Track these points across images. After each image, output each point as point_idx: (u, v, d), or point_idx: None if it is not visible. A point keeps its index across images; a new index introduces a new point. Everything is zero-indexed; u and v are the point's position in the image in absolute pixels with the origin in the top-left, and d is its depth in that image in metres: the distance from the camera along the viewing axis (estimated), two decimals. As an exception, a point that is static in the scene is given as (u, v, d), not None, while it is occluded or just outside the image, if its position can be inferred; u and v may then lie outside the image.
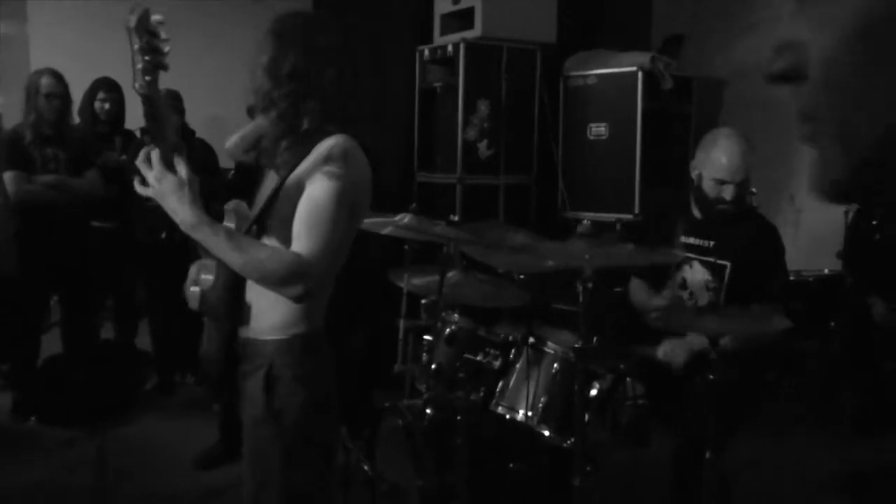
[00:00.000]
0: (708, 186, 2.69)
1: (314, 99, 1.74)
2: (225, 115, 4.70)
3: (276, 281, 1.66)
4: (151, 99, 1.63)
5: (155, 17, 1.63)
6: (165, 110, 1.70)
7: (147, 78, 1.61)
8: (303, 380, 1.77)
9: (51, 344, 4.24)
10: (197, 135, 4.48)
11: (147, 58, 1.60)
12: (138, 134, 4.73)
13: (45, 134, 3.90)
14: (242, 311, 1.79)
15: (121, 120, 4.58)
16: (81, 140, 4.16)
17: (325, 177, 1.66)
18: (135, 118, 4.79)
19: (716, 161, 2.68)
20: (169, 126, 1.69)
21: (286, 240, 1.69)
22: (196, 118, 4.75)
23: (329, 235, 1.66)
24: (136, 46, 1.60)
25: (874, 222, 4.08)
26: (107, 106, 4.43)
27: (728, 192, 2.66)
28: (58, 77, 3.94)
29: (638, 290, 2.84)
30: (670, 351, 2.60)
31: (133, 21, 1.61)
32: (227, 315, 1.79)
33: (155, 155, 1.63)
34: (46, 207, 3.88)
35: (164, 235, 4.24)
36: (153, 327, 4.54)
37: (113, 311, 4.79)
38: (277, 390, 1.76)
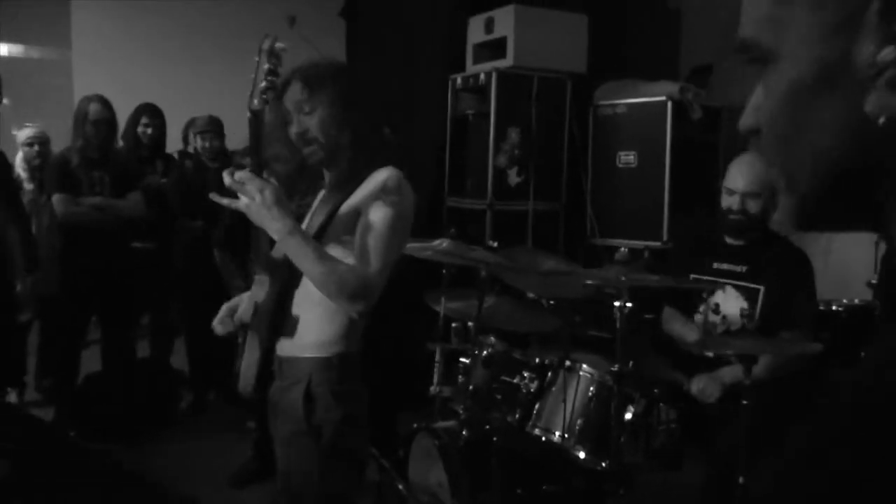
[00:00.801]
0: (722, 200, 2.77)
1: (366, 138, 1.87)
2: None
3: (349, 294, 1.77)
4: (261, 117, 1.76)
5: (279, 45, 1.77)
6: (267, 133, 1.82)
7: (265, 96, 1.75)
8: (340, 397, 1.85)
9: (90, 361, 4.35)
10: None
11: (269, 79, 1.74)
12: (177, 157, 4.88)
13: (92, 158, 4.04)
14: (287, 326, 1.87)
15: (162, 144, 4.73)
16: (125, 163, 4.30)
17: (384, 205, 1.80)
18: (174, 142, 4.95)
19: (728, 173, 2.77)
20: (265, 149, 1.81)
21: (340, 256, 1.81)
22: (234, 143, 4.89)
23: (387, 259, 1.80)
24: (265, 67, 1.75)
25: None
26: (149, 131, 4.58)
27: (735, 202, 2.71)
28: (106, 104, 4.09)
29: (671, 318, 2.89)
30: (704, 388, 2.63)
31: (268, 44, 1.76)
32: (272, 328, 1.87)
33: (245, 171, 1.74)
34: (91, 228, 4.01)
35: (202, 257, 4.37)
36: (189, 346, 4.64)
37: (149, 330, 4.90)
38: (316, 406, 1.83)
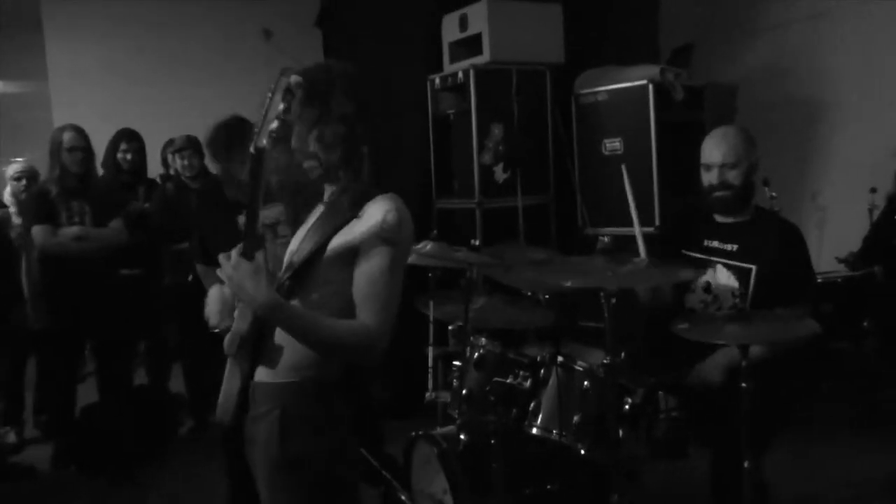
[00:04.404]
0: (702, 178, 2.70)
1: (368, 154, 1.79)
2: (244, 157, 4.78)
3: (351, 353, 1.71)
4: (264, 155, 1.65)
5: (295, 80, 1.66)
6: (266, 174, 1.71)
7: (274, 135, 1.64)
8: (317, 423, 1.75)
9: (87, 392, 4.31)
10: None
11: (283, 118, 1.63)
12: (159, 181, 4.84)
13: (71, 187, 3.99)
14: (267, 353, 1.78)
15: (143, 169, 4.69)
16: (106, 191, 4.26)
17: (384, 245, 1.70)
18: (155, 166, 4.91)
19: (703, 149, 2.70)
20: (262, 190, 1.69)
21: (329, 294, 1.73)
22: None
23: (392, 303, 1.71)
24: (281, 107, 1.63)
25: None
26: (129, 156, 4.54)
27: (713, 177, 2.65)
28: (79, 131, 4.04)
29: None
30: (705, 374, 2.57)
31: (285, 82, 1.64)
32: (253, 356, 1.78)
33: (235, 250, 1.66)
34: (74, 259, 3.96)
35: (191, 278, 4.32)
36: (186, 370, 4.59)
37: (145, 357, 4.85)
38: (293, 437, 1.73)
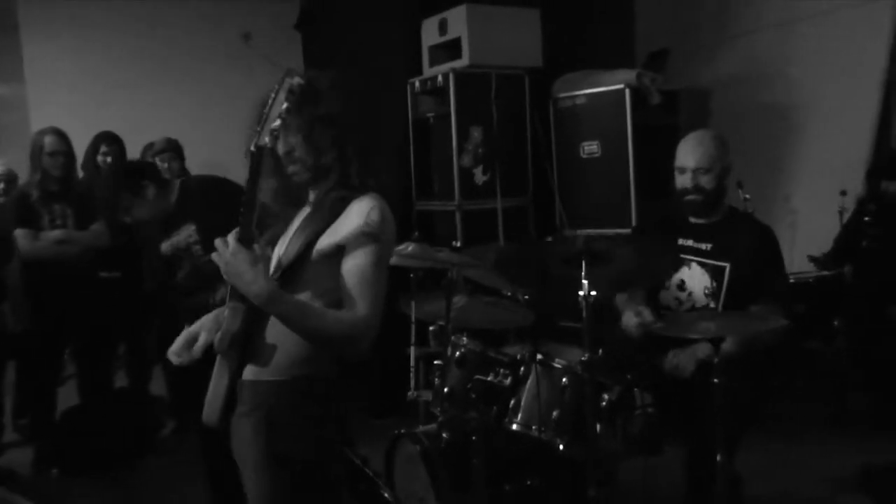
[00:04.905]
0: (676, 181, 2.78)
1: (352, 160, 1.82)
2: (224, 159, 4.79)
3: (341, 344, 1.74)
4: (264, 154, 1.69)
5: (298, 81, 1.70)
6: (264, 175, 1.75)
7: (275, 134, 1.68)
8: (305, 423, 1.77)
9: (68, 396, 4.29)
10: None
11: (284, 118, 1.67)
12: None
13: (52, 190, 3.99)
14: (257, 352, 1.79)
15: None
16: (87, 194, 4.25)
17: (368, 241, 1.75)
18: (136, 168, 4.89)
19: (678, 153, 2.78)
20: (259, 192, 1.74)
21: (318, 293, 1.77)
22: (194, 163, 4.86)
23: (378, 295, 1.76)
24: (284, 106, 1.67)
25: (867, 218, 4.15)
26: (109, 159, 4.53)
27: (687, 180, 2.72)
28: (60, 135, 4.04)
29: (620, 302, 2.88)
30: (677, 362, 2.64)
31: (289, 83, 1.67)
32: (241, 355, 1.79)
33: (232, 234, 1.68)
34: (56, 262, 3.95)
35: (171, 281, 4.33)
36: (167, 372, 4.59)
37: (125, 359, 4.84)
38: (279, 434, 1.75)
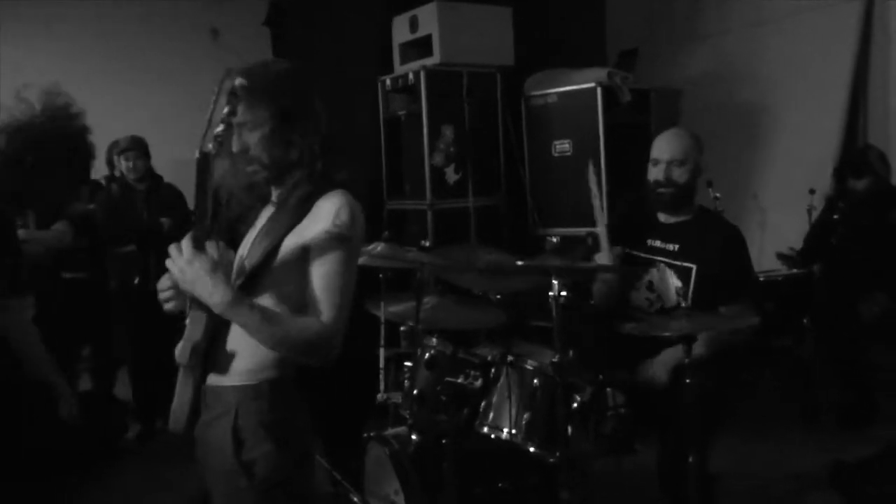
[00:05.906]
0: (649, 173, 2.77)
1: (314, 156, 1.75)
2: (190, 158, 4.71)
3: (306, 351, 1.67)
4: (210, 159, 1.60)
5: (240, 82, 1.61)
6: (212, 181, 1.65)
7: (219, 139, 1.59)
8: (271, 428, 1.71)
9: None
10: (164, 180, 4.52)
11: (228, 120, 1.59)
12: (104, 182, 4.74)
13: (12, 190, 3.88)
14: (220, 359, 1.74)
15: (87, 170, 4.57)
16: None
17: (337, 244, 1.67)
18: (100, 168, 4.80)
19: (654, 145, 2.79)
20: (210, 199, 1.63)
21: (283, 296, 1.70)
22: (161, 162, 4.76)
23: (346, 300, 1.68)
24: (226, 110, 1.59)
25: (835, 216, 4.18)
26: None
27: (660, 172, 2.71)
28: (19, 132, 3.93)
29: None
30: (652, 373, 2.62)
31: (229, 83, 1.60)
32: (204, 363, 1.73)
33: (185, 239, 1.60)
34: (17, 262, 3.85)
35: (136, 282, 4.25)
36: (132, 375, 4.50)
37: (90, 362, 4.74)
38: (245, 441, 1.69)
